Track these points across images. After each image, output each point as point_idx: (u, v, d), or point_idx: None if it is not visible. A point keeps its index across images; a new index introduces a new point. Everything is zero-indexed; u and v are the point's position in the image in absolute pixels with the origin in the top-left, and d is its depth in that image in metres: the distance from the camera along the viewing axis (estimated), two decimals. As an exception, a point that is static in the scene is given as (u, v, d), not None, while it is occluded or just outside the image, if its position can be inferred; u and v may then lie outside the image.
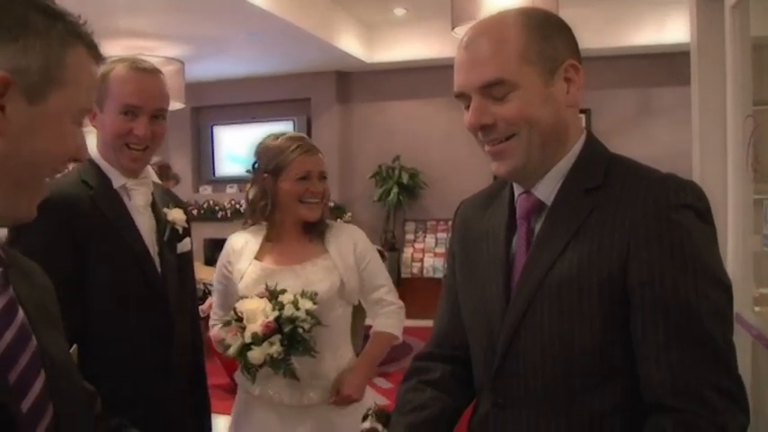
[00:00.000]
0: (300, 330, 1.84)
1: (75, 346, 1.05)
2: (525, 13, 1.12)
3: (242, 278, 2.03)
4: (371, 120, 8.07)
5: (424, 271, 7.75)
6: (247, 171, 2.09)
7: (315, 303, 1.89)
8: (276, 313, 1.84)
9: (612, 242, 1.03)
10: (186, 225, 1.81)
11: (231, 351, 1.87)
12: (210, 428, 1.93)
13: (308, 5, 6.22)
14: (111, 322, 1.52)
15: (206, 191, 8.70)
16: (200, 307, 5.04)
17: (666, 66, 6.89)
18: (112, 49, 5.46)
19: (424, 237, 7.95)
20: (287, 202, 2.02)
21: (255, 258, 2.05)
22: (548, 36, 1.09)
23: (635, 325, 1.02)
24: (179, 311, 1.69)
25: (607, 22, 6.73)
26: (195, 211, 8.46)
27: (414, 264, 7.80)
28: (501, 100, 1.08)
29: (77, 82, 0.88)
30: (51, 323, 0.98)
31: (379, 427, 1.24)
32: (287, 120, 8.29)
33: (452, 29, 3.96)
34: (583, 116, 7.48)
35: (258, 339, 1.82)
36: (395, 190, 7.71)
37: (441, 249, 7.79)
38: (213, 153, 8.68)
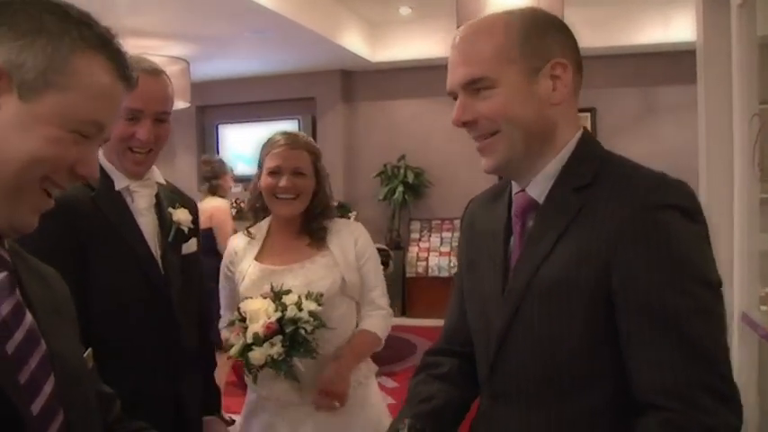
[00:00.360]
0: (303, 332, 1.83)
1: (89, 349, 1.02)
2: (513, 13, 1.14)
3: (243, 279, 2.03)
4: (376, 119, 8.07)
5: (429, 270, 7.74)
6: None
7: (320, 305, 1.88)
8: (278, 314, 1.83)
9: (598, 242, 1.04)
10: (192, 225, 1.79)
11: (233, 351, 1.87)
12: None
13: (313, 4, 6.22)
14: (113, 325, 1.51)
15: (211, 190, 8.70)
16: None
17: (672, 64, 6.87)
18: (118, 48, 5.46)
19: (429, 236, 7.94)
20: (267, 198, 2.04)
21: (255, 259, 2.05)
22: (533, 35, 1.10)
23: (621, 325, 1.02)
24: (183, 313, 1.69)
25: (612, 20, 6.72)
26: (200, 210, 8.47)
27: (419, 263, 7.80)
28: (483, 97, 1.11)
29: (82, 90, 0.86)
30: (65, 327, 0.97)
31: None
32: (292, 119, 8.29)
33: (457, 27, 3.96)
34: (588, 115, 7.47)
35: (259, 340, 1.82)
36: (400, 189, 7.71)
37: (446, 248, 7.78)
38: (218, 152, 8.68)
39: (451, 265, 7.54)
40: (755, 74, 3.16)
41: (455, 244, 7.59)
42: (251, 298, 1.92)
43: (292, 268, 2.00)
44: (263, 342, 1.82)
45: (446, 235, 7.86)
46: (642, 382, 1.00)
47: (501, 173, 1.19)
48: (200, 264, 1.87)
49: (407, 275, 7.70)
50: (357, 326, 2.09)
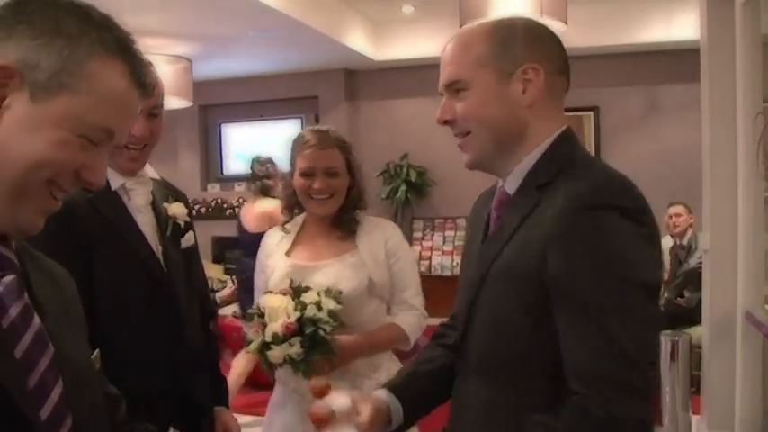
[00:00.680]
0: (322, 332, 1.82)
1: (97, 350, 1.01)
2: (499, 21, 1.24)
3: (273, 274, 2.04)
4: (379, 117, 8.06)
5: (432, 269, 7.74)
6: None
7: (339, 303, 1.87)
8: (298, 314, 1.82)
9: (539, 234, 1.11)
10: (188, 219, 1.78)
11: (251, 348, 1.87)
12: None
13: (316, 3, 6.22)
14: (119, 325, 1.50)
15: (214, 189, 8.71)
16: (218, 293, 5.03)
17: (675, 63, 6.85)
18: (121, 47, 5.45)
19: (432, 235, 7.94)
20: (301, 198, 2.04)
21: (286, 254, 2.05)
22: (508, 42, 1.19)
23: (554, 312, 1.09)
24: (189, 308, 1.68)
25: (615, 19, 6.70)
26: (203, 210, 8.48)
27: (422, 262, 7.79)
28: (460, 98, 1.21)
29: (94, 94, 0.84)
30: (73, 328, 0.96)
31: None
32: (295, 118, 8.29)
33: (460, 26, 3.96)
34: (591, 113, 7.46)
35: (278, 339, 1.82)
36: (402, 188, 7.70)
37: (448, 247, 7.78)
38: (221, 151, 8.69)
39: (454, 264, 7.54)
40: (759, 72, 3.15)
41: (458, 243, 7.60)
42: (272, 293, 1.92)
43: (320, 266, 2.00)
44: (282, 342, 1.81)
45: (449, 234, 7.85)
46: (567, 368, 1.07)
47: (478, 169, 1.28)
48: (199, 256, 1.85)
49: (410, 274, 7.68)
50: None
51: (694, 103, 4.25)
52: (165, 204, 1.71)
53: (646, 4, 6.59)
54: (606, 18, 6.67)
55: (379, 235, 2.05)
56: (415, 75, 7.69)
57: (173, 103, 6.44)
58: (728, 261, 3.52)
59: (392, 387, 1.38)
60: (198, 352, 1.73)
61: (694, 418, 3.86)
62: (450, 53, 1.23)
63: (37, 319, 0.86)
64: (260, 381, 5.18)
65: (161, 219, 1.67)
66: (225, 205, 8.42)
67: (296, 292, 1.87)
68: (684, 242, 5.64)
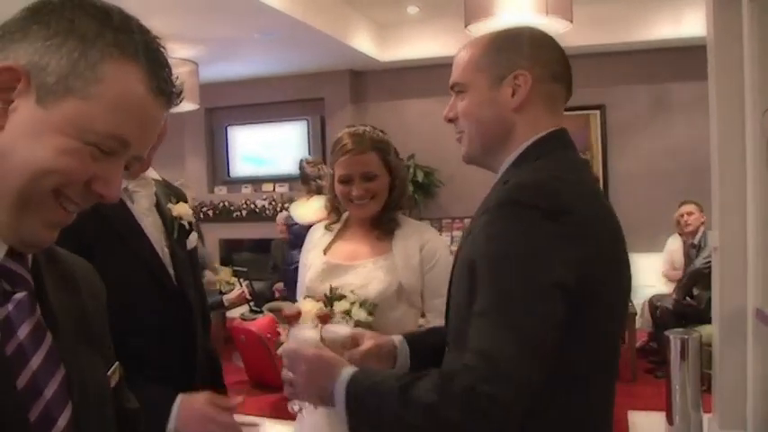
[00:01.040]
0: None
1: (116, 364, 0.96)
2: (500, 30, 1.33)
3: (309, 270, 2.06)
4: (385, 118, 8.05)
5: (440, 269, 7.73)
6: None
7: (371, 314, 1.86)
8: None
9: (473, 228, 1.23)
10: (192, 219, 1.76)
11: (280, 350, 1.87)
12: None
13: (321, 5, 6.22)
14: (129, 333, 1.48)
15: (221, 191, 8.72)
16: (225, 296, 5.06)
17: (682, 60, 6.82)
18: (127, 51, 5.48)
19: (440, 235, 7.92)
20: (343, 202, 2.05)
21: (323, 252, 2.06)
22: (503, 49, 1.28)
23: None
24: (198, 311, 1.67)
25: (621, 17, 6.68)
26: (210, 212, 8.49)
27: (429, 262, 7.78)
28: (460, 99, 1.32)
29: (106, 100, 0.79)
30: (91, 341, 0.90)
31: None
32: (301, 119, 8.30)
33: (465, 26, 3.95)
34: (597, 112, 7.43)
35: None
36: (410, 188, 7.69)
37: (456, 247, 7.76)
38: (228, 154, 8.70)
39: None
40: (768, 69, 3.13)
41: (465, 243, 7.59)
42: (310, 298, 1.94)
43: (354, 266, 2.00)
44: None
45: (456, 234, 7.84)
46: (469, 341, 1.11)
47: (471, 163, 1.37)
48: (198, 257, 1.85)
49: (418, 275, 7.68)
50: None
51: (702, 100, 4.23)
52: (170, 205, 1.69)
53: (652, 1, 6.57)
54: (612, 16, 6.65)
55: (416, 240, 2.04)
56: (421, 75, 7.69)
57: (179, 106, 6.43)
58: (738, 259, 3.50)
59: (408, 335, 1.52)
60: (206, 356, 1.72)
61: (705, 417, 3.84)
62: (457, 57, 1.33)
63: (49, 338, 0.83)
64: (268, 383, 5.19)
65: (166, 220, 1.65)
66: (232, 208, 8.43)
67: (329, 299, 1.88)
68: (696, 241, 5.62)
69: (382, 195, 2.03)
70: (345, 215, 2.15)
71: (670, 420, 3.95)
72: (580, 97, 8.06)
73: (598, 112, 7.45)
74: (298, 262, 2.25)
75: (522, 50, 1.27)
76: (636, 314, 5.43)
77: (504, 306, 1.06)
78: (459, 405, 1.01)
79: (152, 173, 1.69)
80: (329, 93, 8.12)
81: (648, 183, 7.24)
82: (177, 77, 0.85)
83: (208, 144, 8.80)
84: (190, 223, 1.74)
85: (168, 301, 1.55)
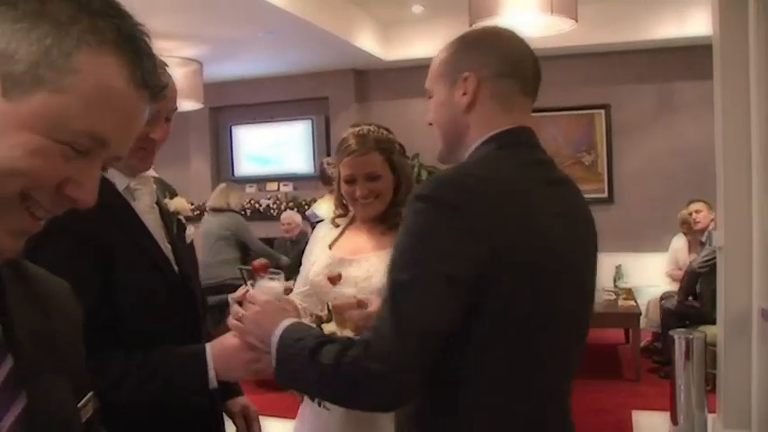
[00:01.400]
0: None
1: (90, 394, 0.88)
2: (461, 35, 1.38)
3: (313, 264, 2.07)
4: (389, 118, 8.03)
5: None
6: None
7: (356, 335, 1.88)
8: None
9: None
10: (190, 213, 1.76)
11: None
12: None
13: (326, 4, 6.23)
14: (145, 333, 1.47)
15: (225, 190, 8.73)
16: (230, 295, 5.09)
17: (687, 60, 6.81)
18: (132, 50, 5.49)
19: (444, 234, 7.92)
20: (348, 202, 2.07)
21: (329, 247, 2.08)
22: (456, 52, 1.34)
23: None
24: (202, 303, 1.67)
25: (626, 16, 6.67)
26: (215, 211, 8.50)
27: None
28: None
29: (81, 94, 0.69)
30: (60, 368, 0.80)
31: None
32: (305, 119, 8.30)
33: (470, 25, 3.95)
34: (602, 111, 7.42)
35: None
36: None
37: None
38: (232, 153, 8.71)
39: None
40: (773, 68, 3.12)
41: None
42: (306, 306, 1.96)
43: (357, 259, 2.03)
44: None
45: (460, 233, 7.84)
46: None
47: (444, 163, 1.41)
48: (195, 251, 1.85)
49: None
50: None
51: (707, 100, 4.22)
52: (166, 200, 1.69)
53: (657, 0, 6.55)
54: (617, 15, 6.63)
55: None
56: (425, 74, 7.64)
57: (183, 105, 6.47)
58: (743, 258, 3.50)
59: None
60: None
61: (710, 417, 3.83)
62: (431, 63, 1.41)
63: (9, 363, 0.73)
64: (269, 380, 5.19)
65: (165, 216, 1.65)
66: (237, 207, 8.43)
67: (318, 319, 1.88)
68: (704, 239, 5.60)
69: (387, 195, 2.05)
70: (352, 212, 2.17)
71: (674, 420, 3.95)
72: (585, 96, 8.09)
73: (603, 111, 7.44)
74: None
75: (469, 52, 1.32)
76: (640, 314, 5.41)
77: (395, 293, 1.13)
78: (346, 374, 1.12)
79: (150, 170, 1.67)
80: (333, 92, 8.12)
81: (653, 182, 7.23)
82: (162, 69, 0.77)
83: (212, 143, 8.81)
84: (186, 218, 1.74)
85: (174, 297, 1.54)
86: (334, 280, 1.97)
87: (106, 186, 1.48)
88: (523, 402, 1.21)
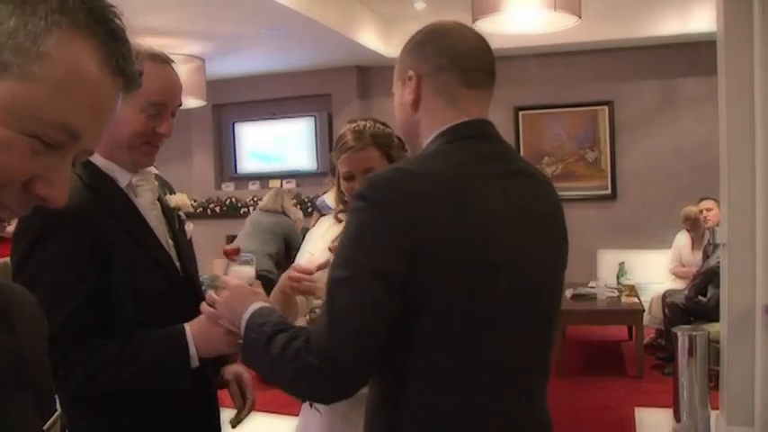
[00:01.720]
0: None
1: (57, 413, 0.81)
2: (412, 34, 1.38)
3: (312, 255, 2.05)
4: (392, 114, 7.94)
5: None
6: None
7: None
8: None
9: None
10: (190, 209, 1.76)
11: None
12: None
13: (328, 1, 6.22)
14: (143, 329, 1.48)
15: (228, 188, 8.74)
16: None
17: (691, 56, 6.79)
18: (134, 47, 5.50)
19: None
20: (348, 198, 2.06)
21: (329, 249, 2.07)
22: (404, 52, 1.36)
23: None
24: (203, 299, 1.67)
25: (629, 12, 6.64)
26: (218, 208, 8.51)
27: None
28: None
29: (50, 81, 0.62)
30: (24, 386, 0.73)
31: None
32: (308, 116, 8.30)
33: (473, 22, 3.94)
34: (605, 108, 7.41)
35: None
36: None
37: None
38: (235, 150, 8.71)
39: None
40: (777, 64, 3.11)
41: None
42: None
43: None
44: None
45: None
46: None
47: None
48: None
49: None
50: None
51: (711, 96, 4.21)
52: (168, 196, 1.68)
53: (660, -4, 6.53)
54: (620, 11, 6.61)
55: None
56: (428, 71, 7.68)
57: (186, 102, 6.45)
58: (747, 255, 3.49)
59: None
60: None
61: (713, 414, 3.83)
62: None
63: None
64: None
65: (167, 212, 1.65)
66: (239, 204, 8.44)
67: (311, 321, 1.89)
68: (709, 237, 5.59)
69: None
70: None
71: (677, 417, 3.95)
72: (588, 93, 8.08)
73: (606, 107, 7.43)
74: None
75: (413, 50, 1.34)
76: (643, 311, 5.41)
77: (331, 290, 1.16)
78: (288, 365, 1.16)
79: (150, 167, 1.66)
80: (336, 89, 8.12)
81: (657, 179, 7.21)
82: (137, 55, 0.70)
83: (215, 140, 8.82)
84: (187, 214, 1.73)
85: (176, 293, 1.54)
86: (322, 266, 1.97)
87: (108, 183, 1.49)
88: (473, 399, 1.19)
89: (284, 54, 7.32)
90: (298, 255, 2.20)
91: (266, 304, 1.33)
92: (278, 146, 8.47)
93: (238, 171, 8.71)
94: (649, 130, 7.31)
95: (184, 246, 1.65)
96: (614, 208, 7.43)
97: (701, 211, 5.73)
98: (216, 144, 8.81)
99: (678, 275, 5.95)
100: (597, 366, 5.56)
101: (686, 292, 5.32)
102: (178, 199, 1.69)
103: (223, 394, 1.77)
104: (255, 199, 8.33)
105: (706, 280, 5.12)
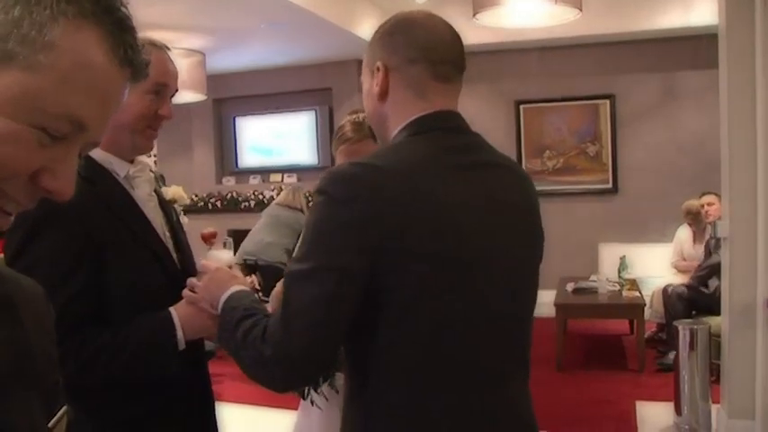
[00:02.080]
0: None
1: (64, 408, 0.79)
2: (380, 24, 1.36)
3: None
4: (393, 108, 8.03)
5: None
6: None
7: None
8: None
9: None
10: (186, 201, 1.76)
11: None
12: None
13: (329, -6, 6.21)
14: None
15: (229, 182, 8.74)
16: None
17: (692, 49, 6.78)
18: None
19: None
20: None
21: None
22: (372, 43, 1.34)
23: None
24: None
25: (631, 5, 6.63)
26: (218, 203, 8.51)
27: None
28: None
29: (57, 72, 0.61)
30: (29, 382, 0.71)
31: None
32: (309, 110, 8.29)
33: (474, 15, 3.93)
34: (607, 101, 7.39)
35: None
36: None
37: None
38: (236, 144, 8.71)
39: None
40: (779, 57, 3.10)
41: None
42: None
43: None
44: None
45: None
46: None
47: None
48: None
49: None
50: None
51: (712, 89, 4.20)
52: (163, 188, 1.68)
53: (662, -11, 6.51)
54: (622, 4, 6.60)
55: None
56: (429, 65, 7.66)
57: (186, 96, 6.46)
58: (748, 249, 3.49)
59: None
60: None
61: (714, 407, 3.83)
62: None
63: None
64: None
65: (163, 204, 1.65)
66: (240, 198, 8.44)
67: None
68: (710, 230, 5.58)
69: None
70: None
71: (678, 411, 3.95)
72: (589, 86, 8.06)
73: (608, 101, 7.42)
74: None
75: (381, 42, 1.31)
76: (645, 305, 5.41)
77: (289, 284, 1.17)
78: (247, 353, 1.18)
79: (143, 157, 1.66)
80: (337, 83, 8.11)
81: (658, 173, 7.21)
82: (143, 46, 0.69)
83: (215, 135, 8.82)
84: (184, 208, 1.74)
85: (175, 286, 1.54)
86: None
87: (105, 175, 1.49)
88: (439, 397, 1.17)
89: (285, 48, 7.31)
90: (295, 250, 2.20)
91: (244, 287, 1.35)
92: (279, 140, 8.46)
93: (239, 165, 8.71)
94: (650, 123, 7.30)
95: (182, 238, 1.65)
96: (615, 202, 7.43)
97: (703, 206, 5.72)
98: (216, 138, 8.81)
99: (679, 269, 5.94)
100: (598, 360, 5.56)
101: (689, 281, 5.31)
102: (174, 191, 1.69)
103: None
104: (256, 193, 8.34)
105: (711, 273, 5.11)
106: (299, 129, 8.34)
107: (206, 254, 1.59)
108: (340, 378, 1.81)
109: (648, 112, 7.30)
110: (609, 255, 6.93)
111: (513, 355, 1.26)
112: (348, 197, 1.14)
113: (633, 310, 5.38)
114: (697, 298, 5.18)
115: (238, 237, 8.51)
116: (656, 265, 6.38)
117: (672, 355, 4.85)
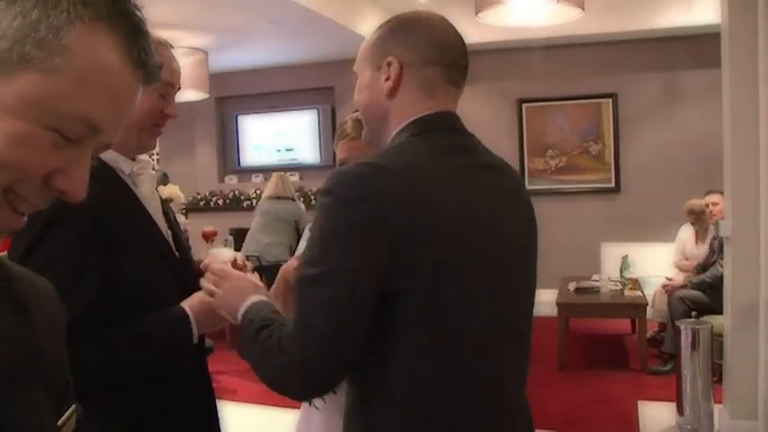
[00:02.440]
0: None
1: (73, 407, 0.78)
2: (388, 19, 1.36)
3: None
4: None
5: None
6: None
7: None
8: None
9: None
10: (183, 200, 1.77)
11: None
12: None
13: (331, -7, 6.21)
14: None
15: (231, 181, 8.74)
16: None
17: (695, 48, 6.76)
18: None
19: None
20: None
21: None
22: (383, 37, 1.31)
23: None
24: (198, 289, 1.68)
25: (633, 4, 6.62)
26: (221, 201, 8.52)
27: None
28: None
29: (72, 74, 0.61)
30: (40, 383, 0.71)
31: None
32: (311, 109, 8.30)
33: (476, 14, 3.92)
34: (609, 100, 7.39)
35: None
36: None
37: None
38: (238, 143, 8.72)
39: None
40: (782, 56, 3.10)
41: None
42: None
43: None
44: None
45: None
46: None
47: (370, 144, 1.41)
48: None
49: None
50: None
51: (715, 88, 4.19)
52: (160, 187, 1.68)
53: (665, -12, 6.50)
54: (624, 3, 6.59)
55: None
56: (431, 64, 7.66)
57: (189, 95, 6.47)
58: (751, 249, 3.48)
59: None
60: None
61: (716, 408, 3.83)
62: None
63: None
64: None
65: (163, 203, 1.65)
66: (242, 197, 8.45)
67: None
68: (714, 230, 5.56)
69: None
70: None
71: (680, 411, 3.95)
72: (592, 85, 8.04)
73: (610, 100, 7.41)
74: None
75: (395, 37, 1.29)
76: (647, 305, 5.40)
77: (301, 289, 1.16)
78: (265, 362, 1.19)
79: (144, 156, 1.66)
80: (339, 82, 8.10)
81: (660, 172, 7.20)
82: (156, 49, 0.70)
83: (218, 133, 8.82)
84: (185, 207, 1.74)
85: (178, 284, 1.55)
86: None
87: (111, 174, 1.49)
88: (441, 395, 1.18)
89: (287, 47, 7.31)
90: (299, 245, 2.21)
91: (262, 297, 1.34)
92: (281, 139, 8.47)
93: (241, 164, 8.71)
94: (653, 122, 7.29)
95: (180, 237, 1.66)
96: (618, 201, 7.42)
97: (707, 205, 5.69)
98: (219, 137, 8.81)
99: (682, 269, 5.93)
100: (600, 360, 5.56)
101: (694, 278, 5.29)
102: (170, 190, 1.70)
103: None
104: (258, 192, 8.34)
105: (712, 284, 5.07)
106: (302, 127, 8.35)
107: (206, 252, 1.59)
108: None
109: (651, 112, 7.29)
110: (611, 254, 6.93)
111: (513, 355, 1.27)
112: (356, 197, 1.13)
113: (635, 309, 5.37)
114: (699, 297, 5.17)
115: (240, 235, 8.52)
116: (658, 265, 6.38)
117: (669, 367, 4.84)
